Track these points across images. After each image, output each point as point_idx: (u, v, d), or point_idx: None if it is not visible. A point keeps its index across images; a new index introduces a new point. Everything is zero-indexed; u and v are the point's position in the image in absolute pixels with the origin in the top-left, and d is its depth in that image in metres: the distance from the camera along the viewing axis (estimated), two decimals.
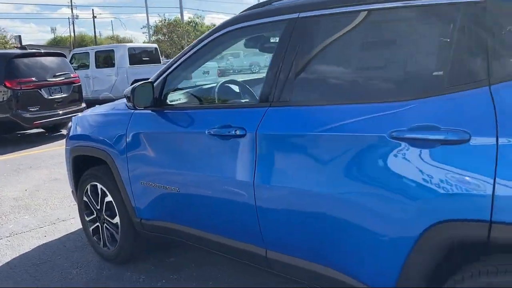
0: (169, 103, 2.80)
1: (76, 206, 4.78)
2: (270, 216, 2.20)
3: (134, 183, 2.96)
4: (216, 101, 2.92)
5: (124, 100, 3.35)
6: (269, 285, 2.92)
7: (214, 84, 3.04)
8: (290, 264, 2.20)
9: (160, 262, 3.43)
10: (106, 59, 12.67)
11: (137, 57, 12.93)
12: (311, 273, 2.12)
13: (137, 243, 3.27)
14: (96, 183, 3.37)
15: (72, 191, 3.83)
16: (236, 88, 3.05)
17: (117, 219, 3.25)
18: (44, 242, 3.95)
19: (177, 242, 2.93)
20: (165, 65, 2.81)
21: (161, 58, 14.16)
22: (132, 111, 2.97)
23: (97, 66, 12.63)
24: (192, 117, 2.60)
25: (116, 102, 3.63)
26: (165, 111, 2.75)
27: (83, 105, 9.99)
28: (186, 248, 3.48)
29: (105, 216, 3.38)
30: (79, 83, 9.93)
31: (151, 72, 12.07)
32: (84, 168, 3.59)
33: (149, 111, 2.84)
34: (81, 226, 4.10)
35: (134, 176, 2.95)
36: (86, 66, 12.73)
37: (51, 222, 4.42)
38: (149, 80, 2.77)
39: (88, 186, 3.46)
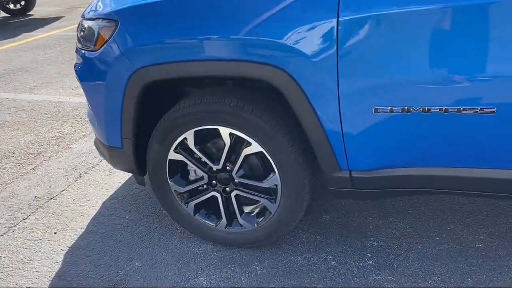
0: None
1: (38, 169, 2.90)
2: None
3: (353, 114, 1.64)
4: None
5: None
6: None
7: None
8: None
9: (317, 226, 2.23)
10: None
11: None
12: None
13: (304, 210, 2.00)
14: (216, 127, 1.86)
15: (110, 147, 2.16)
16: None
17: (272, 181, 1.89)
18: (69, 245, 2.27)
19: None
20: None
21: None
22: None
23: None
24: None
25: None
26: None
27: None
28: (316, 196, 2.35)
29: (238, 179, 1.95)
30: None
31: None
32: (153, 103, 2.01)
33: None
34: (101, 201, 2.53)
35: (356, 101, 1.61)
36: None
37: (33, 206, 2.62)
38: None
39: (189, 135, 1.91)
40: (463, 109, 1.51)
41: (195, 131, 1.91)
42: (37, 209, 2.59)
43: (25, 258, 2.19)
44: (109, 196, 2.65)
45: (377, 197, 1.85)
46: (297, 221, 1.99)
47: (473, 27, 1.42)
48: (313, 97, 1.64)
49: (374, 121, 1.63)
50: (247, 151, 1.87)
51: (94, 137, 2.44)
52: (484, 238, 2.05)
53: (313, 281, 1.90)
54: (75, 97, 4.37)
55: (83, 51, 2.06)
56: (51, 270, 2.09)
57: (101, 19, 1.94)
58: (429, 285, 1.82)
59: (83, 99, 4.25)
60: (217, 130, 1.88)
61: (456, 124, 1.55)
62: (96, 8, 2.06)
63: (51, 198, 2.68)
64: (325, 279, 1.90)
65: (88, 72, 2.05)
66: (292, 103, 1.68)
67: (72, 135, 3.52)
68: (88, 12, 2.08)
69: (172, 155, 2.00)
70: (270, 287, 1.88)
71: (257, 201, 2.03)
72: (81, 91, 4.21)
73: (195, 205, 2.09)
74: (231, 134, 1.86)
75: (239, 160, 1.90)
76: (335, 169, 1.78)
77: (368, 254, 2.02)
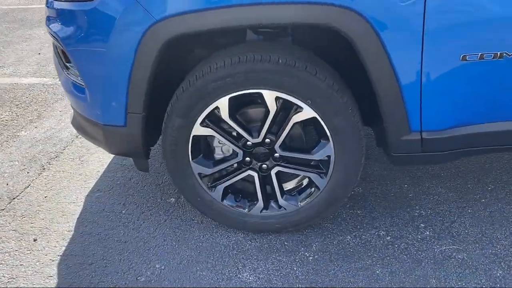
0: None
1: None
2: None
3: (437, 63, 1.42)
4: None
5: None
6: None
7: None
8: None
9: (352, 200, 2.00)
10: None
11: None
12: None
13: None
14: (259, 91, 1.53)
15: (107, 126, 1.72)
16: None
17: (325, 151, 1.61)
18: (59, 252, 1.82)
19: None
20: None
21: None
22: None
23: None
24: None
25: None
26: None
27: None
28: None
29: (282, 153, 1.65)
30: None
31: None
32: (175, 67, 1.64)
33: None
34: (83, 196, 2.11)
35: (442, 47, 1.39)
36: None
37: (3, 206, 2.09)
38: None
39: (223, 103, 1.56)
40: None
41: (230, 98, 1.55)
42: (9, 211, 2.06)
43: (4, 276, 1.70)
44: (90, 188, 2.19)
45: (443, 160, 1.65)
46: (348, 196, 1.74)
47: None
48: (391, 44, 1.38)
49: (460, 70, 1.41)
50: (296, 118, 1.56)
51: (71, 116, 1.97)
52: None
53: (375, 261, 1.67)
54: (4, 77, 3.67)
55: (64, 4, 1.59)
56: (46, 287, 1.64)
57: None
58: (498, 250, 1.68)
59: (16, 79, 3.60)
60: (258, 95, 1.54)
61: None
62: None
63: (14, 198, 2.15)
64: (388, 258, 1.68)
65: (77, 31, 1.59)
66: (364, 52, 1.41)
67: (15, 121, 2.92)
68: None
69: (198, 130, 1.63)
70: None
71: (297, 175, 1.75)
72: (9, 70, 3.56)
73: (224, 188, 1.74)
74: (277, 99, 1.54)
75: (286, 129, 1.59)
76: (404, 131, 1.55)
77: (422, 224, 1.83)
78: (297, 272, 1.64)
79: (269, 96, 1.53)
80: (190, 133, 1.64)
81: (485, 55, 1.38)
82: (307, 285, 1.58)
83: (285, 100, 1.54)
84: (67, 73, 1.81)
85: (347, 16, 1.35)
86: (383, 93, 1.47)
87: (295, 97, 1.52)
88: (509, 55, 1.37)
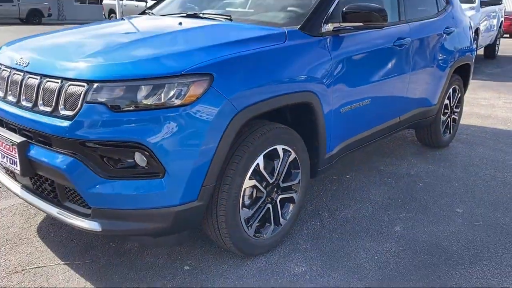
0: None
1: None
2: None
3: (335, 116, 2.84)
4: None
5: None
6: None
7: None
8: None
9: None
10: None
11: None
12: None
13: None
14: (275, 147, 2.48)
15: (179, 205, 2.13)
16: None
17: (299, 176, 2.70)
18: None
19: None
20: None
21: None
22: (327, 37, 2.75)
23: None
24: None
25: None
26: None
27: None
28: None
29: (283, 184, 2.61)
30: None
31: None
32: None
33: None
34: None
35: (336, 108, 2.84)
36: None
37: None
38: None
39: (260, 159, 2.39)
40: (360, 103, 3.07)
41: (263, 154, 2.40)
42: None
43: None
44: None
45: (335, 164, 3.03)
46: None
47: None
48: (324, 105, 2.69)
49: (340, 117, 2.90)
50: (289, 159, 2.58)
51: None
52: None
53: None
54: None
55: (159, 112, 2.00)
56: None
57: (189, 75, 2.04)
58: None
59: None
60: (274, 149, 2.47)
61: (358, 111, 3.07)
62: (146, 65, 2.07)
63: None
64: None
65: (176, 130, 2.01)
66: (315, 112, 2.63)
67: None
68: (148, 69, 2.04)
69: (247, 183, 2.34)
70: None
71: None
72: None
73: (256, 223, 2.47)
74: (283, 149, 2.52)
75: (285, 168, 2.57)
76: (324, 154, 2.85)
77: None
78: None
79: (279, 149, 2.48)
80: (243, 187, 2.31)
81: (348, 107, 2.92)
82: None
83: (285, 150, 2.53)
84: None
85: (312, 95, 2.57)
86: (320, 134, 2.72)
87: (290, 147, 2.54)
88: (356, 105, 2.97)
